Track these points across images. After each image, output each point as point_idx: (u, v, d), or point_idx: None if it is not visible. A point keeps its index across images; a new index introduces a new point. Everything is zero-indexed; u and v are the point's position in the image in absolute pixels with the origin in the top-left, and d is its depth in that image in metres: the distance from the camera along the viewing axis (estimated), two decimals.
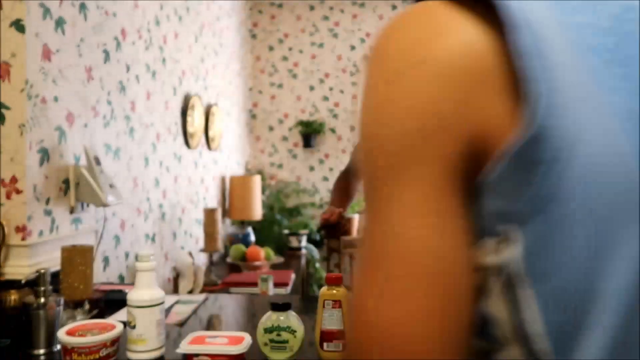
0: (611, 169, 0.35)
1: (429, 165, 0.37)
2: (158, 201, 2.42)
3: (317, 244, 4.15)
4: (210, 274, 2.43)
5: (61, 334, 0.95)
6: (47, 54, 1.48)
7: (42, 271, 1.06)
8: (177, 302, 1.43)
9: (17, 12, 1.37)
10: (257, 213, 3.63)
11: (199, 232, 3.09)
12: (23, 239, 1.38)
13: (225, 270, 2.80)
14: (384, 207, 0.38)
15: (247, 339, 1.01)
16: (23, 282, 1.18)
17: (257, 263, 2.70)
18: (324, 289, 1.03)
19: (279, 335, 0.99)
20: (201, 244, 3.10)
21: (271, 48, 4.67)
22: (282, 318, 1.01)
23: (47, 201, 1.49)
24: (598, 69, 0.37)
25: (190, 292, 2.43)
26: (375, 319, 0.36)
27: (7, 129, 1.37)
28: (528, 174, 0.35)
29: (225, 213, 3.76)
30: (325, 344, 1.00)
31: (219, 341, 0.99)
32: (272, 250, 3.03)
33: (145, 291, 1.00)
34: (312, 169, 4.59)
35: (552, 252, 0.35)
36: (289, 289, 2.33)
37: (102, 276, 1.84)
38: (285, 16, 4.67)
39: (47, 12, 1.48)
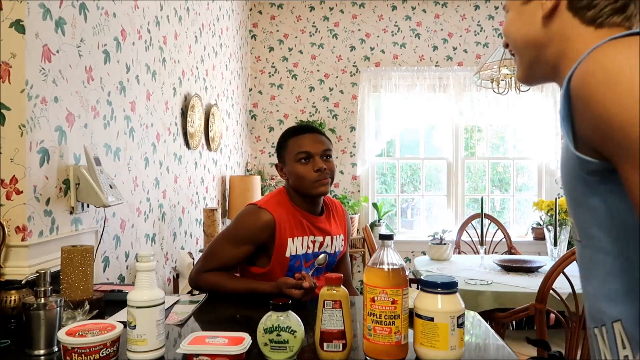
0: None
1: None
2: (158, 201, 2.42)
3: None
4: None
5: (61, 334, 0.95)
6: (47, 55, 1.48)
7: (42, 271, 1.06)
8: (177, 302, 1.43)
9: (17, 13, 1.37)
10: None
11: (199, 232, 3.09)
12: (23, 239, 1.38)
13: None
14: None
15: (247, 339, 1.01)
16: (23, 282, 1.18)
17: None
18: (324, 289, 1.03)
19: (279, 335, 0.99)
20: (201, 244, 3.10)
21: (271, 48, 4.68)
22: (282, 318, 1.01)
23: (47, 201, 1.49)
24: None
25: (190, 292, 2.42)
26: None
27: (7, 129, 1.37)
28: None
29: (225, 213, 3.76)
30: (325, 344, 1.00)
31: (219, 341, 0.99)
32: None
33: (145, 291, 1.00)
34: None
35: None
36: None
37: (102, 276, 1.84)
38: (285, 16, 4.67)
39: (47, 12, 1.48)
